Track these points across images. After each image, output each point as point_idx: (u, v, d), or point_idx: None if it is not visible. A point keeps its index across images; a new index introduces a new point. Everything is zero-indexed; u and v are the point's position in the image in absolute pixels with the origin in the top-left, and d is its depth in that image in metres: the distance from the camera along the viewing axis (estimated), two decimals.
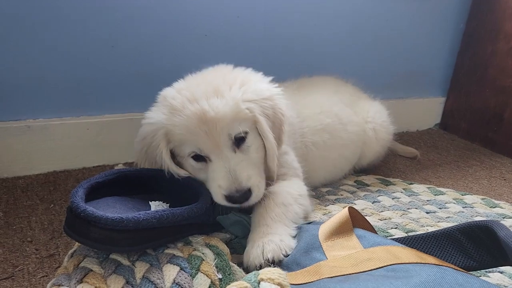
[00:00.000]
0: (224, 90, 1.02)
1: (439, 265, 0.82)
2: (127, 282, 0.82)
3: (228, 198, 0.98)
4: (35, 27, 1.32)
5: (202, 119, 0.97)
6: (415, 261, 0.83)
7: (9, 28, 1.29)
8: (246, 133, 1.03)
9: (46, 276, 0.96)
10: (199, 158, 1.03)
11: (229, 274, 0.89)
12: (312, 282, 0.81)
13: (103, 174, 0.99)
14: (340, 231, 0.94)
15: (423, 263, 0.82)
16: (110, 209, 0.92)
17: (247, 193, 0.98)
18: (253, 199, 1.00)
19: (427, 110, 2.22)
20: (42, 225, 1.15)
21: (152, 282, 0.83)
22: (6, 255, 1.02)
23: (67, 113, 1.43)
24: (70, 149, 1.45)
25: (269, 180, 1.09)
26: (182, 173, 1.04)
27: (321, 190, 1.41)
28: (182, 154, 1.04)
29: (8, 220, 1.16)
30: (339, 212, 0.97)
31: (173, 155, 1.06)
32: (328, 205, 1.32)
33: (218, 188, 0.98)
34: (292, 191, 1.09)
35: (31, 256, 1.03)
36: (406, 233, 1.18)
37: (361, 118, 1.49)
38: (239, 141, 1.02)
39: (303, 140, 1.30)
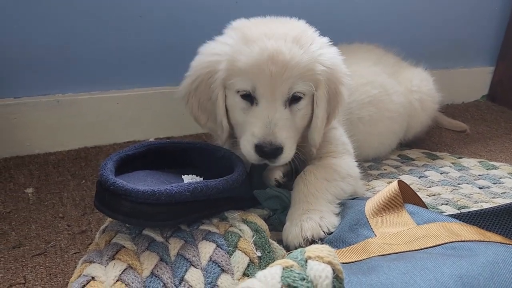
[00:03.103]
0: (305, 42, 0.94)
1: (505, 243, 0.73)
2: (161, 259, 0.77)
3: (258, 148, 0.90)
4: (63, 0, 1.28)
5: (274, 59, 0.89)
6: (477, 239, 0.74)
7: (35, 1, 1.25)
8: (303, 95, 0.95)
9: (79, 252, 0.93)
10: (247, 97, 0.94)
11: (268, 252, 0.82)
12: (361, 260, 0.74)
13: (133, 147, 0.94)
14: (389, 206, 0.86)
15: (487, 241, 0.73)
16: (141, 183, 0.87)
17: (279, 150, 0.90)
18: (282, 159, 0.92)
19: (474, 81, 2.07)
20: (74, 201, 1.12)
21: (187, 259, 0.78)
22: (39, 231, 1.00)
23: (95, 87, 1.39)
24: (100, 124, 1.41)
25: (307, 156, 1.01)
26: (224, 125, 0.98)
27: (363, 165, 1.32)
28: (232, 87, 0.95)
29: (40, 196, 1.13)
30: (388, 186, 0.89)
31: None
32: (371, 180, 1.24)
33: (251, 136, 0.90)
34: (341, 169, 1.00)
35: (63, 232, 1.00)
36: (458, 209, 1.08)
37: (404, 88, 1.37)
38: (293, 100, 0.94)
39: (349, 117, 1.20)
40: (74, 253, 0.93)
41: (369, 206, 0.87)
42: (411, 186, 1.19)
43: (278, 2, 1.54)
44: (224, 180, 0.88)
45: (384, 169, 1.31)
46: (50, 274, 0.87)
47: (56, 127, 1.35)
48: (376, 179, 1.24)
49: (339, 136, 1.09)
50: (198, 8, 1.43)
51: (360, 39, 1.49)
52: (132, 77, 1.43)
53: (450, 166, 1.35)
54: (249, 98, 0.93)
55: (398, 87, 1.34)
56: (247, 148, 0.92)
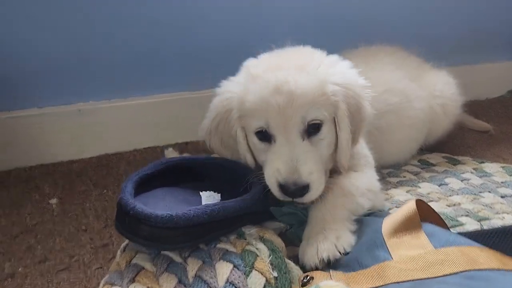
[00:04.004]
0: (311, 67, 0.93)
1: None
2: (180, 281, 0.79)
3: (283, 188, 0.88)
4: (82, 9, 1.29)
5: (280, 89, 0.88)
6: (496, 267, 0.73)
7: (55, 12, 1.26)
8: (322, 122, 0.92)
9: (101, 267, 0.96)
10: (263, 137, 0.94)
11: (285, 273, 0.83)
12: (377, 287, 0.74)
13: (152, 166, 0.96)
14: (406, 227, 0.85)
15: (506, 270, 0.72)
16: (160, 203, 0.89)
17: (305, 188, 0.87)
18: (309, 197, 0.89)
19: (498, 76, 2.00)
20: (96, 212, 1.15)
21: (205, 281, 0.79)
22: (63, 245, 1.04)
23: (115, 95, 1.42)
24: (120, 132, 1.44)
25: (335, 173, 1.00)
26: (249, 161, 0.99)
27: (382, 172, 1.30)
28: (248, 128, 0.96)
29: (64, 207, 1.17)
30: (405, 205, 0.88)
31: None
32: (390, 188, 1.22)
33: (276, 172, 0.88)
34: (360, 184, 0.98)
35: (86, 246, 1.03)
36: (478, 221, 1.07)
37: (427, 92, 1.34)
38: (311, 131, 0.92)
39: (367, 128, 1.17)
40: (96, 269, 0.96)
41: (386, 225, 0.87)
42: (430, 195, 1.19)
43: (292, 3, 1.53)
44: (242, 200, 0.89)
45: (403, 176, 1.30)
46: None
47: (78, 135, 1.39)
48: (395, 188, 1.23)
49: (361, 149, 1.07)
50: (215, 15, 1.43)
51: (377, 37, 1.45)
52: (150, 84, 1.45)
53: (471, 172, 1.32)
54: (266, 137, 0.93)
55: (420, 92, 1.31)
56: (272, 184, 0.90)
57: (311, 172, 0.88)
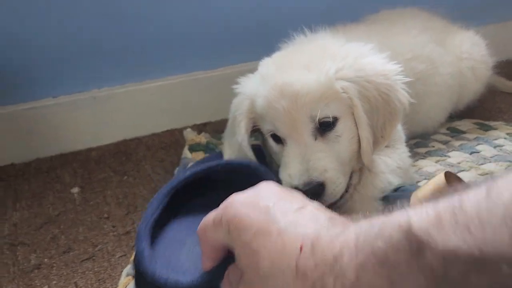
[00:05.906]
0: (319, 63, 0.86)
1: None
2: None
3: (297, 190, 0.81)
4: None
5: (283, 92, 0.83)
6: None
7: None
8: (335, 118, 0.85)
9: (125, 255, 0.96)
10: (277, 139, 0.89)
11: None
12: None
13: (161, 196, 0.83)
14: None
15: None
16: (182, 250, 0.83)
17: (319, 188, 0.80)
18: (327, 197, 0.81)
19: None
20: (117, 199, 1.14)
21: None
22: (86, 234, 1.03)
23: (129, 79, 1.39)
24: (137, 116, 1.42)
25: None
26: (250, 155, 0.91)
27: (409, 143, 1.23)
28: (263, 130, 0.92)
29: (85, 195, 1.17)
30: (433, 179, 0.83)
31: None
32: (418, 159, 1.16)
33: (288, 178, 0.83)
34: (390, 160, 0.92)
35: (109, 234, 1.03)
36: None
37: (453, 56, 1.25)
38: (325, 128, 0.84)
39: None
40: (120, 256, 0.96)
41: (414, 202, 0.82)
42: (461, 165, 1.13)
43: None
44: None
45: (432, 146, 1.23)
46: (99, 280, 0.90)
47: (95, 123, 1.38)
48: (423, 158, 1.17)
49: None
50: None
51: (397, 5, 1.36)
52: (164, 66, 1.42)
53: (505, 138, 1.24)
54: (280, 139, 0.88)
55: (446, 57, 1.22)
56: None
57: (326, 170, 0.81)
